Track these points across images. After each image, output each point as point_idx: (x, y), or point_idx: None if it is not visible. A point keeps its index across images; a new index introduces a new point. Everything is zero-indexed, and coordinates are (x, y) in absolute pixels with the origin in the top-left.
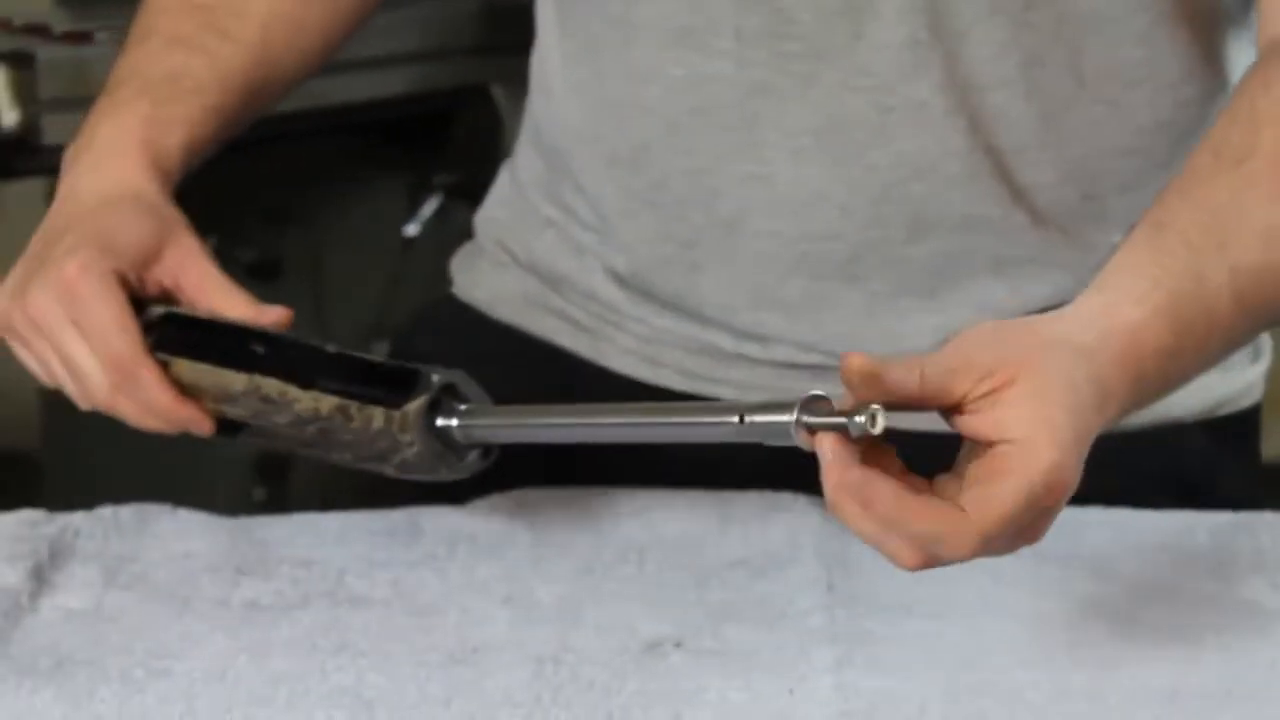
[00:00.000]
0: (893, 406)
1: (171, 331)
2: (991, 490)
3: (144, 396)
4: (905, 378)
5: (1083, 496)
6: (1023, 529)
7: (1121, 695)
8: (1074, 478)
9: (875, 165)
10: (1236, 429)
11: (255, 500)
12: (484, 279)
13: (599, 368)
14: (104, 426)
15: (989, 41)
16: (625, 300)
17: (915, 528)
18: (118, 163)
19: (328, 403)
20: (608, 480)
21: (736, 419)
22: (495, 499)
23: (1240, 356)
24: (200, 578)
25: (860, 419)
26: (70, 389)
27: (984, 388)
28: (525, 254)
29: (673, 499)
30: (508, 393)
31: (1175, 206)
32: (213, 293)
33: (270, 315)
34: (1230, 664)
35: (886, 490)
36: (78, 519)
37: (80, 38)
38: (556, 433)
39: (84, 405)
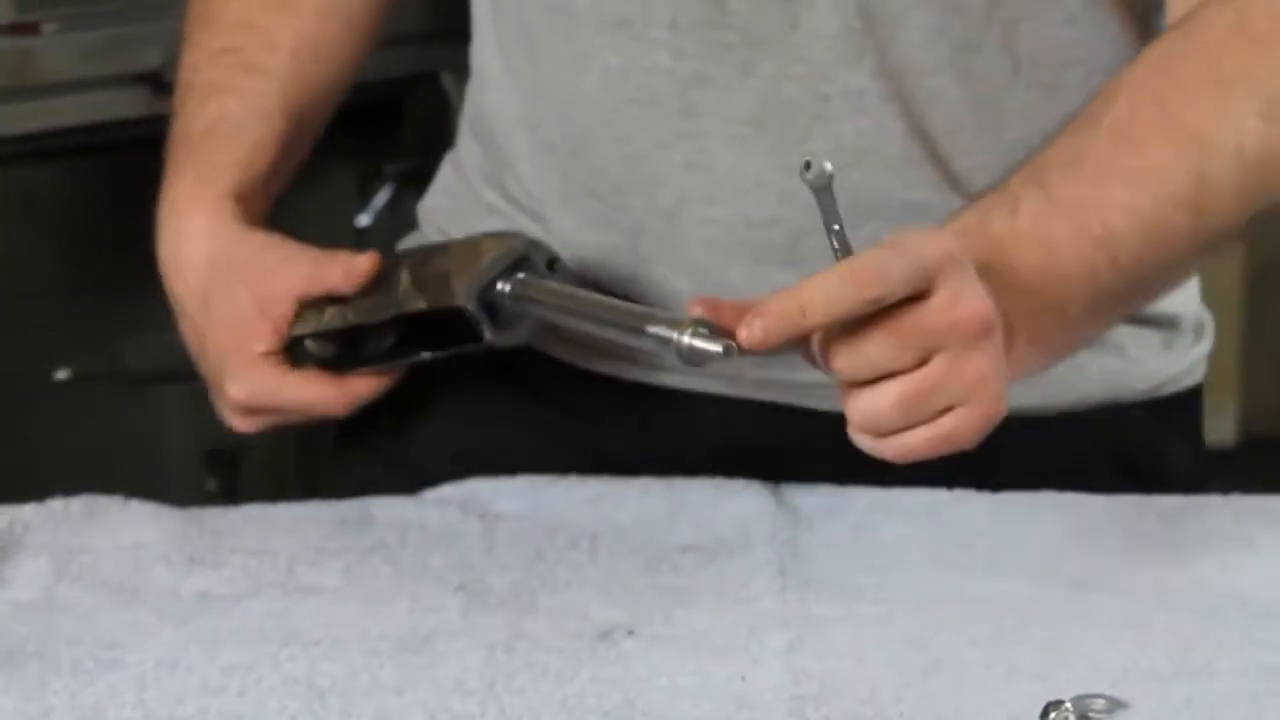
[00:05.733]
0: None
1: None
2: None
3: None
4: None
5: (1030, 478)
6: (946, 380)
7: (1071, 675)
8: (980, 304)
9: (813, 152)
10: (1180, 409)
11: (206, 491)
12: None
13: (545, 355)
14: (53, 418)
15: (921, 28)
16: None
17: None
18: (198, 228)
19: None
20: (560, 470)
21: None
22: (446, 489)
23: (1184, 337)
24: (151, 568)
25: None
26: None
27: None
28: None
29: (624, 486)
30: (454, 383)
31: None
32: (327, 267)
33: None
34: (1179, 645)
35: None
36: (27, 511)
37: (27, 29)
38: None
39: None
